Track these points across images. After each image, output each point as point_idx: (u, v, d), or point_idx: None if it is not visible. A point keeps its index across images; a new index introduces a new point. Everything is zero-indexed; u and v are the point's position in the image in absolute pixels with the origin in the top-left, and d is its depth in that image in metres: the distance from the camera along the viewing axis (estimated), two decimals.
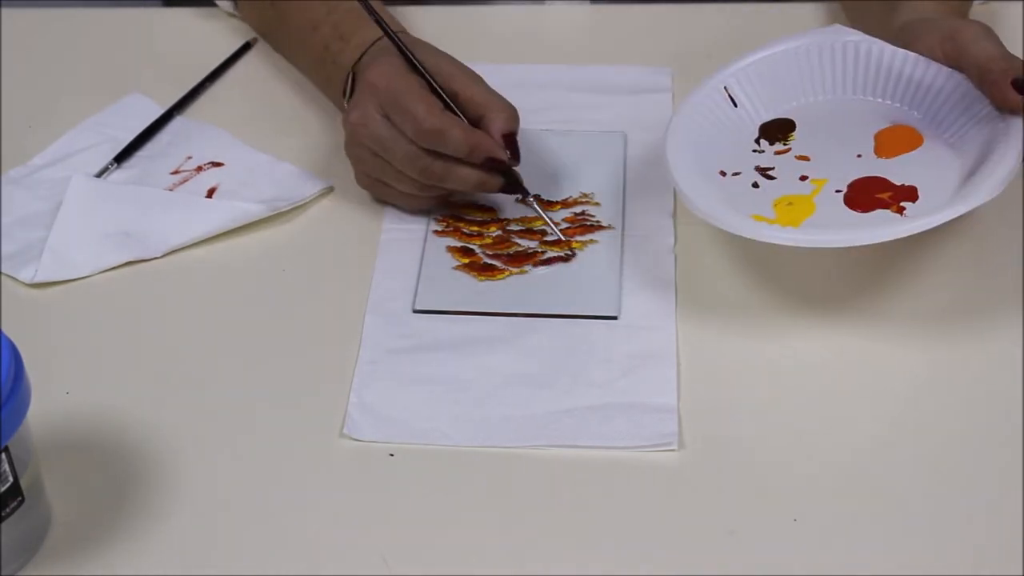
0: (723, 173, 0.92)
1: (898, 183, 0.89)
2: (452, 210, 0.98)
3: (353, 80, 0.97)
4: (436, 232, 0.97)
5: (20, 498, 0.75)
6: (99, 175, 1.02)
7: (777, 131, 0.95)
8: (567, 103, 1.08)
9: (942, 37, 0.92)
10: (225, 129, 1.06)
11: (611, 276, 0.93)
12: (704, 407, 0.85)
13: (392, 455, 0.83)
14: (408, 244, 0.96)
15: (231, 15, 1.16)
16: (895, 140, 0.93)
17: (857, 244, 0.84)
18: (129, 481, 0.82)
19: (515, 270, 0.94)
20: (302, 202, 0.99)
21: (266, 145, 1.04)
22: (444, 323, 0.91)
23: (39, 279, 0.94)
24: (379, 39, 0.97)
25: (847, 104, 0.96)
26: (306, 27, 1.04)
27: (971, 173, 0.87)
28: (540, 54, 1.14)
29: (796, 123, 0.96)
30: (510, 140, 0.93)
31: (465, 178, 0.93)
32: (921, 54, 0.93)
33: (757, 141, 0.95)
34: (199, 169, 1.03)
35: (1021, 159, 0.86)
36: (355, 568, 0.77)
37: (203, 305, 0.93)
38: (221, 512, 0.80)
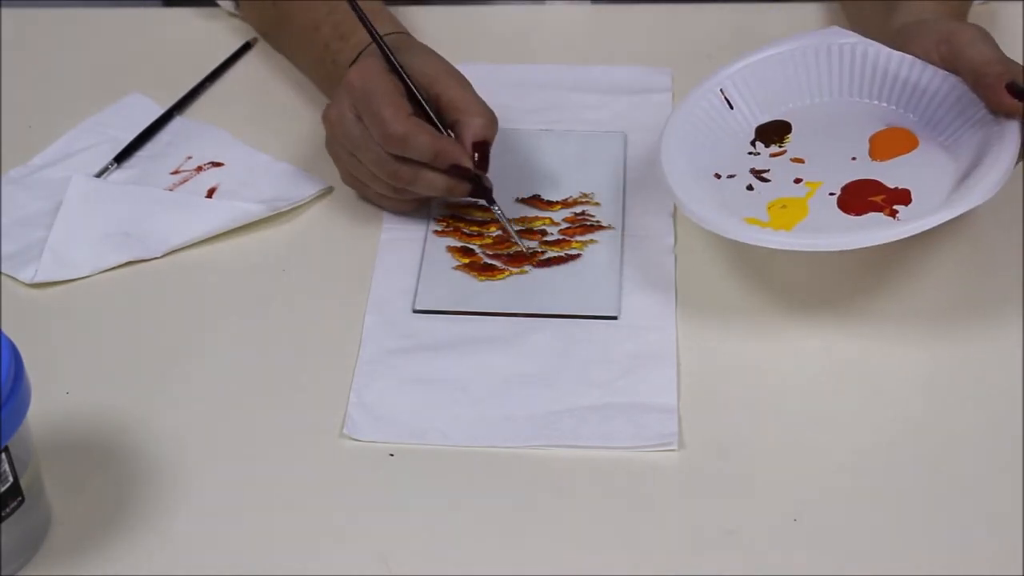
0: (718, 176, 0.93)
1: (892, 186, 0.89)
2: (452, 210, 0.98)
3: None
4: (436, 232, 0.97)
5: (20, 498, 0.75)
6: (99, 175, 1.02)
7: (773, 133, 0.95)
8: (567, 103, 1.08)
9: (938, 40, 0.92)
10: (225, 129, 1.06)
11: (611, 276, 0.93)
12: (704, 407, 0.85)
13: (392, 455, 0.83)
14: (408, 244, 0.96)
15: (232, 15, 1.16)
16: (890, 143, 0.93)
17: (847, 248, 0.84)
18: (129, 481, 0.82)
19: (515, 270, 0.94)
20: (302, 202, 0.99)
21: (266, 145, 1.04)
22: (444, 323, 0.91)
23: (39, 279, 0.94)
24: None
25: (843, 106, 0.96)
26: (307, 27, 1.04)
27: (965, 176, 0.87)
28: (540, 54, 1.14)
29: (792, 125, 0.96)
30: (480, 147, 0.93)
31: (432, 183, 0.93)
32: (917, 56, 0.93)
33: (753, 143, 0.95)
34: (199, 169, 1.03)
35: (1015, 162, 0.86)
36: (355, 568, 0.77)
37: (203, 305, 0.93)
38: (221, 512, 0.80)
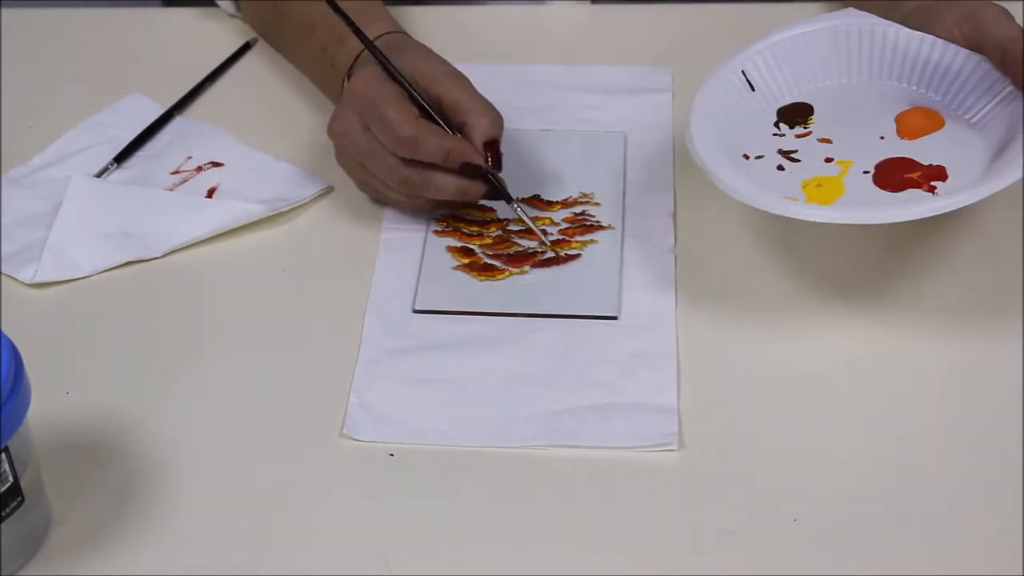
0: (746, 156, 0.92)
1: (926, 163, 0.89)
2: (452, 210, 0.98)
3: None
4: (436, 232, 0.97)
5: (20, 498, 0.75)
6: (99, 175, 1.02)
7: (795, 115, 0.95)
8: (567, 103, 1.08)
9: (960, 18, 0.92)
10: (225, 129, 1.06)
11: (611, 276, 0.93)
12: (704, 407, 0.85)
13: (392, 455, 0.83)
14: (408, 244, 0.96)
15: (232, 16, 1.16)
16: (917, 122, 0.92)
17: (897, 220, 0.83)
18: (129, 481, 0.82)
19: (515, 270, 0.94)
20: (302, 202, 0.99)
21: (266, 145, 1.04)
22: (444, 323, 0.91)
23: (39, 279, 0.94)
24: (375, 39, 0.97)
25: (864, 87, 0.96)
26: (305, 29, 1.04)
27: (999, 151, 0.87)
28: (540, 54, 1.13)
29: (814, 107, 0.95)
30: (491, 146, 0.93)
31: (445, 186, 0.93)
32: (938, 36, 0.93)
33: (776, 125, 0.95)
34: (199, 169, 1.03)
35: None
36: (355, 568, 0.77)
37: (203, 305, 0.93)
38: (221, 512, 0.80)
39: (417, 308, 0.92)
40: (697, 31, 1.15)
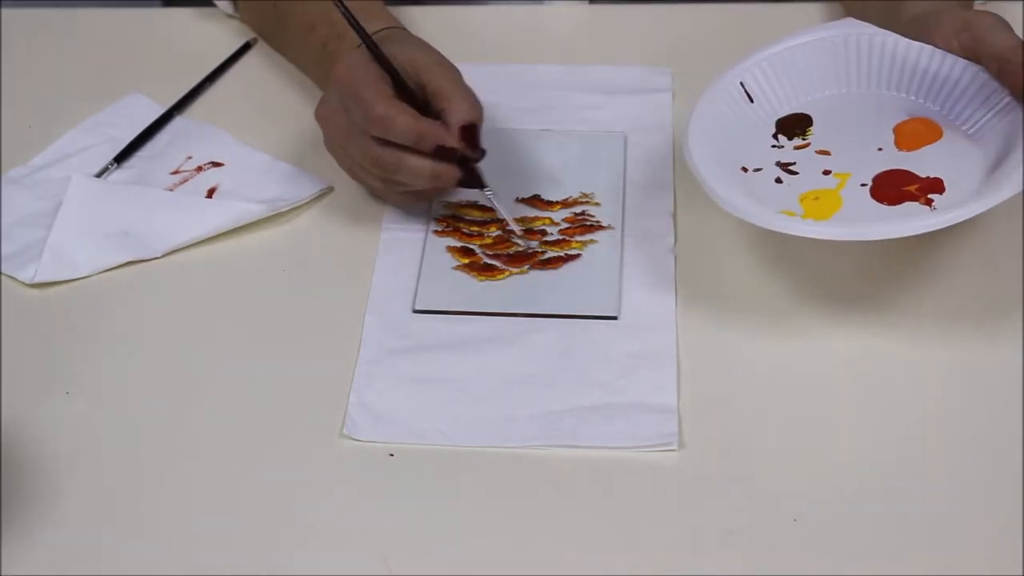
0: (744, 169, 0.92)
1: (923, 176, 0.89)
2: (452, 210, 0.98)
3: None
4: (436, 232, 0.97)
5: None
6: (99, 175, 1.02)
7: (794, 126, 0.95)
8: (567, 103, 1.07)
9: (956, 28, 0.92)
10: (225, 129, 1.06)
11: (611, 276, 0.93)
12: (704, 407, 0.85)
13: (392, 455, 0.83)
14: (408, 244, 0.96)
15: (231, 16, 1.16)
16: (915, 133, 0.92)
17: (894, 236, 0.83)
18: (128, 480, 0.82)
19: (515, 270, 0.94)
20: (302, 202, 0.99)
21: (266, 145, 1.04)
22: (444, 323, 0.91)
23: (39, 279, 0.94)
24: (374, 34, 0.97)
25: (863, 98, 0.96)
26: (305, 27, 1.04)
27: (996, 164, 0.87)
28: (540, 54, 1.13)
29: (813, 118, 0.95)
30: (468, 130, 0.92)
31: (417, 169, 0.92)
32: (936, 46, 0.93)
33: (775, 136, 0.95)
34: (199, 169, 1.03)
35: None
36: (355, 568, 0.77)
37: (203, 305, 0.93)
38: (221, 512, 0.80)
39: (417, 308, 0.92)
40: (697, 31, 1.15)
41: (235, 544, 0.79)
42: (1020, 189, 0.83)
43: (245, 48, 1.14)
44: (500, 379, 0.87)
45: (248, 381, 0.88)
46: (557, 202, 0.99)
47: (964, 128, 0.92)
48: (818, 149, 0.93)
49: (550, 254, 0.95)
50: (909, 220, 0.84)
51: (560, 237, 0.96)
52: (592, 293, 0.92)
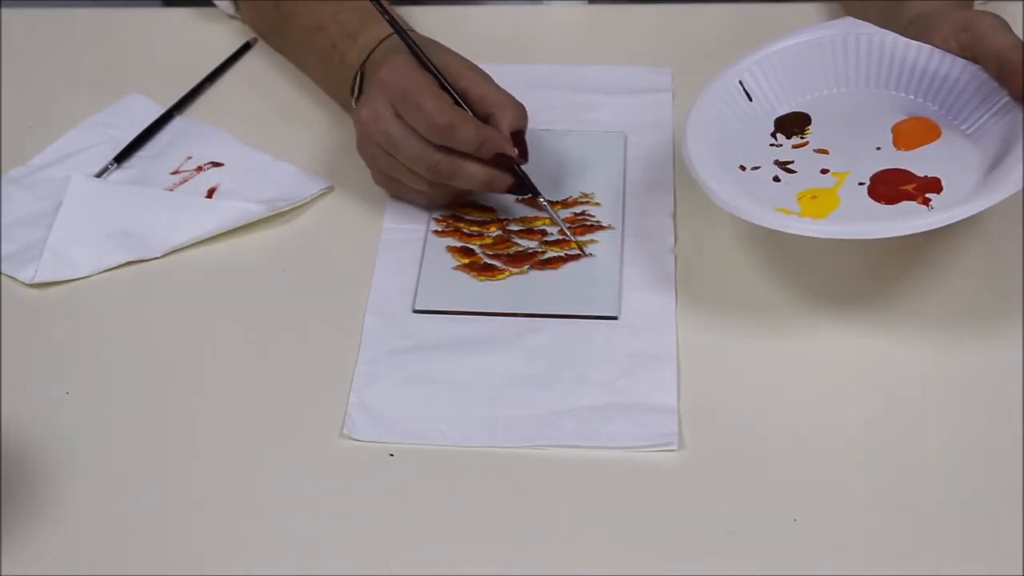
0: (743, 167, 0.92)
1: (921, 175, 0.89)
2: (452, 210, 0.98)
3: (362, 79, 0.97)
4: (436, 232, 0.97)
5: None
6: (99, 175, 1.02)
7: (792, 125, 0.95)
8: (567, 103, 1.08)
9: (956, 28, 0.92)
10: (225, 129, 1.06)
11: (611, 276, 0.93)
12: (704, 407, 0.85)
13: (392, 455, 0.83)
14: (408, 244, 0.96)
15: (231, 17, 1.16)
16: (913, 132, 0.92)
17: (890, 235, 0.83)
18: (128, 480, 0.82)
19: (515, 270, 0.94)
20: (302, 202, 0.99)
21: (266, 145, 1.04)
22: (444, 323, 0.91)
23: (39, 279, 0.94)
24: (386, 37, 0.97)
25: (862, 97, 0.95)
26: (311, 27, 1.04)
27: (994, 164, 0.87)
28: (539, 54, 1.14)
29: (811, 117, 0.95)
30: (518, 138, 0.94)
31: (474, 175, 0.93)
32: (935, 46, 0.92)
33: (773, 135, 0.95)
34: (199, 169, 1.03)
35: None
36: (355, 568, 0.77)
37: (203, 305, 0.93)
38: (221, 512, 0.80)
39: (417, 308, 0.92)
40: (697, 31, 1.15)
41: (235, 544, 0.79)
42: (1017, 189, 0.83)
43: (245, 48, 1.14)
44: (500, 379, 0.87)
45: (248, 381, 0.88)
46: (557, 202, 0.99)
47: (963, 128, 0.92)
48: (816, 148, 0.93)
49: (550, 254, 0.95)
50: (906, 219, 0.84)
51: (560, 237, 0.96)
52: (592, 293, 0.92)
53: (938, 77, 0.93)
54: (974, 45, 0.91)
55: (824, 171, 0.91)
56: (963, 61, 0.92)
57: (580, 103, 1.07)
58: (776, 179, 0.91)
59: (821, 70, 0.96)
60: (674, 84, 1.09)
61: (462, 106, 0.93)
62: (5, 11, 1.17)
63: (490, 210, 0.98)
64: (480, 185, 0.94)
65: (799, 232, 0.85)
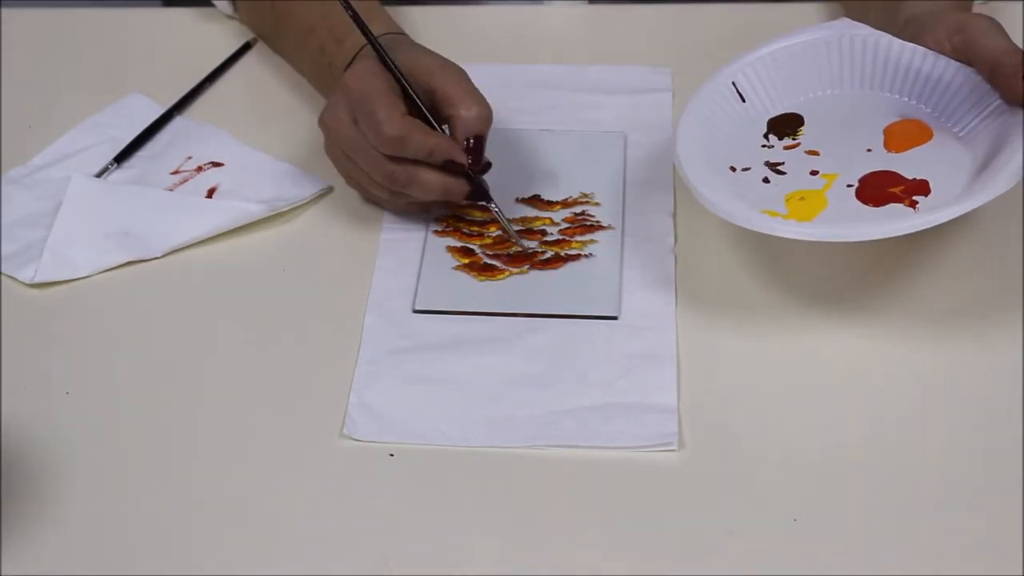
0: (733, 168, 0.92)
1: (910, 177, 0.89)
2: (452, 210, 0.98)
3: None
4: (436, 232, 0.97)
5: None
6: (99, 175, 1.02)
7: (785, 126, 0.95)
8: (567, 103, 1.08)
9: (950, 30, 0.92)
10: (225, 129, 1.06)
11: (611, 276, 0.93)
12: (704, 407, 0.85)
13: (392, 455, 0.83)
14: (408, 244, 0.96)
15: (231, 17, 1.16)
16: (905, 134, 0.92)
17: (872, 238, 0.84)
18: (129, 480, 0.82)
19: (515, 270, 0.94)
20: (302, 202, 0.99)
21: (266, 145, 1.04)
22: (444, 323, 0.91)
23: (39, 279, 0.94)
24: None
25: (855, 98, 0.96)
26: (303, 30, 1.04)
27: (983, 167, 0.87)
28: (540, 54, 1.14)
29: (804, 118, 0.95)
30: (475, 143, 0.92)
31: (429, 184, 0.92)
32: (929, 48, 0.92)
33: (766, 136, 0.95)
34: (199, 169, 1.03)
35: None
36: (355, 568, 0.77)
37: (203, 305, 0.93)
38: (221, 512, 0.80)
39: (417, 308, 0.92)
40: (697, 31, 1.15)
41: (235, 544, 0.79)
42: (1001, 192, 0.83)
43: (245, 48, 1.14)
44: (500, 379, 0.87)
45: (248, 381, 0.88)
46: (557, 202, 0.99)
47: (955, 130, 0.92)
48: (808, 149, 0.93)
49: (550, 254, 0.95)
50: (889, 222, 0.84)
51: (560, 237, 0.96)
52: (592, 293, 0.92)
53: (931, 79, 0.93)
54: (967, 48, 0.91)
55: (814, 173, 0.91)
56: (957, 63, 0.92)
57: (580, 103, 1.08)
58: (766, 180, 0.91)
59: (815, 71, 0.96)
60: (674, 84, 1.09)
61: (423, 111, 0.93)
62: (5, 11, 1.17)
63: (491, 210, 0.98)
64: (438, 194, 0.93)
65: (782, 234, 0.85)
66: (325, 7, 1.02)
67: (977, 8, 1.08)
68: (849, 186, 0.89)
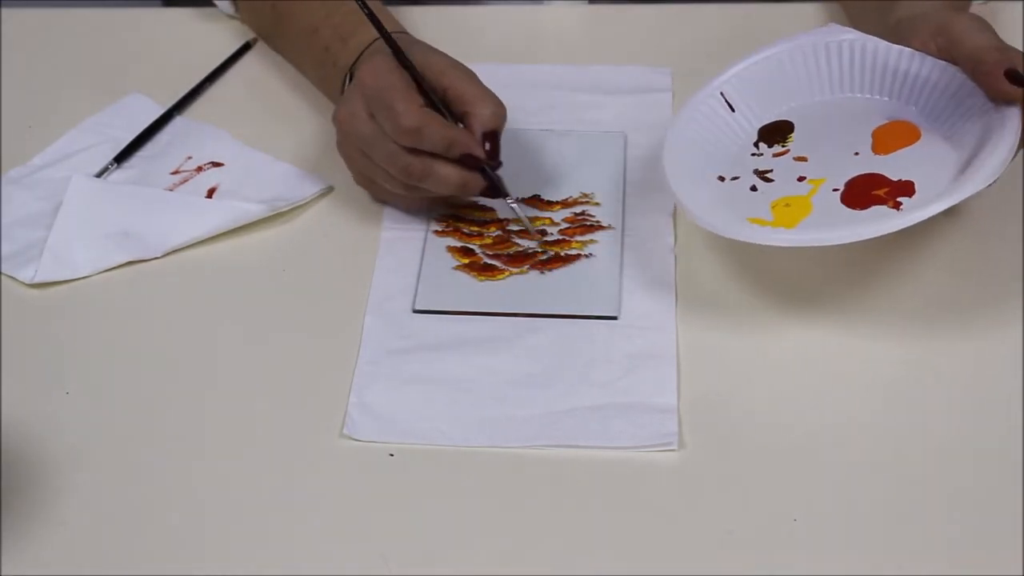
0: (721, 178, 0.93)
1: (895, 179, 0.89)
2: (452, 210, 0.98)
3: (351, 81, 0.97)
4: (436, 232, 0.97)
5: None
6: (99, 175, 1.02)
7: (776, 133, 0.95)
8: (567, 103, 1.08)
9: (934, 31, 0.92)
10: (225, 129, 1.06)
11: (611, 276, 0.93)
12: (704, 407, 0.85)
13: (392, 455, 0.83)
14: (408, 244, 0.96)
15: (231, 17, 1.16)
16: (893, 136, 0.92)
17: (849, 241, 0.84)
18: (128, 480, 0.82)
19: (515, 270, 0.94)
20: (302, 202, 0.99)
21: (266, 145, 1.04)
22: (444, 323, 0.91)
23: (39, 279, 0.94)
24: (376, 40, 0.97)
25: (844, 103, 0.96)
26: (306, 29, 1.04)
27: (966, 165, 0.87)
28: (540, 54, 1.14)
29: (794, 124, 0.96)
30: (490, 138, 0.93)
31: (446, 177, 0.92)
32: (915, 49, 0.93)
33: (756, 144, 0.95)
34: (199, 169, 1.03)
35: (1015, 149, 0.86)
36: (355, 568, 0.77)
37: (203, 305, 0.93)
38: (221, 512, 0.80)
39: (417, 308, 0.92)
40: (697, 31, 1.15)
41: (235, 544, 0.79)
42: (979, 189, 0.83)
43: (245, 48, 1.14)
44: (500, 379, 0.87)
45: (248, 381, 0.88)
46: (557, 202, 0.99)
47: (942, 130, 0.92)
48: (796, 156, 0.93)
49: (550, 254, 0.95)
50: (870, 223, 0.84)
51: (560, 237, 0.96)
52: (592, 293, 0.92)
53: (919, 80, 0.93)
54: (951, 47, 0.91)
55: (801, 179, 0.91)
56: (943, 64, 0.92)
57: (580, 103, 1.08)
58: (753, 188, 0.92)
59: (804, 78, 0.96)
60: (674, 84, 1.09)
61: (438, 106, 0.93)
62: (5, 11, 1.17)
63: (490, 210, 0.98)
64: (454, 188, 0.93)
65: (762, 242, 0.85)
66: (328, 6, 1.02)
67: (976, 8, 1.08)
68: (835, 190, 0.90)
